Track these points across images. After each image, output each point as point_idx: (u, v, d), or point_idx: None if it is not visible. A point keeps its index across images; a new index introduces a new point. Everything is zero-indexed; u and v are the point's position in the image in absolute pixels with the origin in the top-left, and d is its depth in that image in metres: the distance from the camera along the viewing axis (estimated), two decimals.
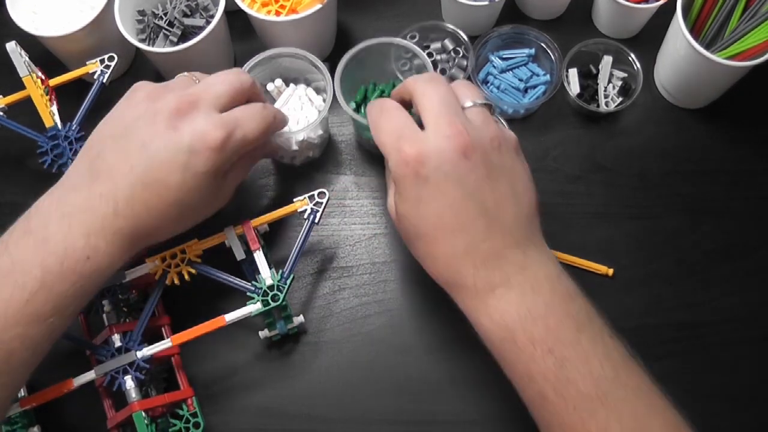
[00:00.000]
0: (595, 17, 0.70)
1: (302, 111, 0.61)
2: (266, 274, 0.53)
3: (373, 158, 0.65)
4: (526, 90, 0.65)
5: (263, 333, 0.57)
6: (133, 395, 0.50)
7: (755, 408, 0.57)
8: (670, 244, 0.62)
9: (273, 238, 0.62)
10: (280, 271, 0.53)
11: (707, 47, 0.59)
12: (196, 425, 0.52)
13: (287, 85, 0.63)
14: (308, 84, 0.64)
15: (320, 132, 0.62)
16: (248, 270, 0.54)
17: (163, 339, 0.52)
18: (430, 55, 0.65)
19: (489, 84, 0.66)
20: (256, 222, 0.55)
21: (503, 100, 0.65)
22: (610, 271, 0.60)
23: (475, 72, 0.64)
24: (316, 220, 0.54)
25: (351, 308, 0.60)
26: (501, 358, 0.45)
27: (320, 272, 0.61)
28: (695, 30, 0.62)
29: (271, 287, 0.52)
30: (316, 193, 0.55)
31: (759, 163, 0.64)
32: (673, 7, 0.59)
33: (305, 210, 0.55)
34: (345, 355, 0.59)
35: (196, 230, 0.55)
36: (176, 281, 0.53)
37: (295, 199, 0.55)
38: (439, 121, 0.44)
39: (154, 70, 0.68)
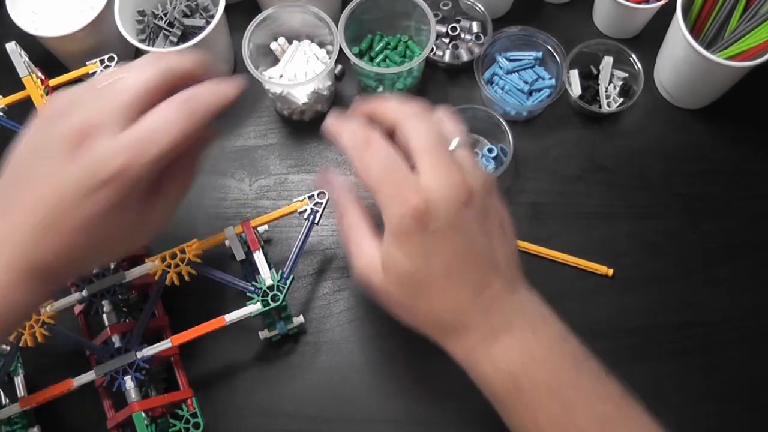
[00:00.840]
0: (595, 17, 0.70)
1: (308, 65, 0.63)
2: (266, 275, 0.53)
3: None
4: (530, 93, 0.66)
5: (263, 333, 0.57)
6: (133, 395, 0.50)
7: (755, 408, 0.57)
8: (670, 244, 0.62)
9: (273, 238, 0.62)
10: (280, 272, 0.53)
11: (707, 47, 0.59)
12: (196, 425, 0.52)
13: (290, 43, 0.65)
14: (311, 40, 0.65)
15: (328, 83, 0.64)
16: (248, 270, 0.54)
17: (162, 339, 0.52)
18: (453, 29, 0.67)
19: (494, 84, 0.66)
20: (256, 222, 0.55)
21: (507, 101, 0.65)
22: (610, 271, 0.60)
23: (481, 66, 0.65)
24: (316, 221, 0.54)
25: (351, 308, 0.60)
26: (504, 405, 0.43)
27: (320, 272, 0.61)
28: (695, 30, 0.62)
29: (270, 287, 0.52)
30: (316, 193, 0.55)
31: (759, 163, 0.64)
32: (673, 7, 0.59)
33: (305, 210, 0.55)
34: (345, 355, 0.59)
35: (197, 230, 0.55)
36: (176, 281, 0.53)
37: (294, 200, 0.55)
38: (438, 167, 0.42)
39: None
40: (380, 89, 0.64)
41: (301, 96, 0.62)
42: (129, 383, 0.51)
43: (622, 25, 0.68)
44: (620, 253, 0.61)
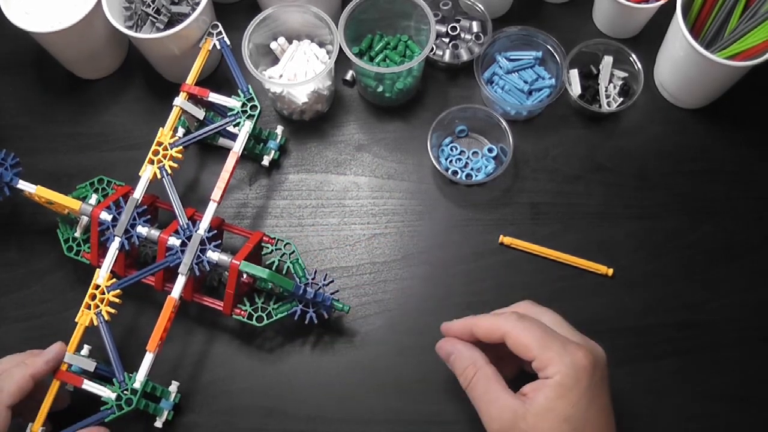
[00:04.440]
0: (595, 17, 0.70)
1: (308, 64, 0.63)
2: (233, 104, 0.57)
3: (381, 114, 0.65)
4: (530, 92, 0.66)
5: (265, 161, 0.63)
6: (225, 258, 0.52)
7: (755, 408, 0.57)
8: (670, 244, 0.62)
9: None
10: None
11: (707, 47, 0.59)
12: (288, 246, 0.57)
13: (290, 42, 0.65)
14: (311, 40, 0.65)
15: (328, 83, 0.64)
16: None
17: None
18: (453, 29, 0.67)
19: (494, 84, 0.66)
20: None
21: (507, 101, 0.65)
22: (610, 271, 0.60)
23: (481, 66, 0.65)
24: (229, 43, 0.60)
25: (351, 308, 0.60)
26: None
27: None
28: (695, 30, 0.62)
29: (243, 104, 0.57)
30: (209, 28, 0.61)
31: (759, 163, 0.64)
32: (673, 7, 0.59)
33: (213, 46, 0.60)
34: (345, 355, 0.59)
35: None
36: (174, 167, 0.56)
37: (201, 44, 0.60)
38: (578, 335, 0.48)
39: (144, 69, 0.68)
40: (380, 89, 0.64)
41: (301, 96, 0.62)
42: (213, 255, 0.53)
43: (622, 24, 0.68)
44: (620, 253, 0.61)
